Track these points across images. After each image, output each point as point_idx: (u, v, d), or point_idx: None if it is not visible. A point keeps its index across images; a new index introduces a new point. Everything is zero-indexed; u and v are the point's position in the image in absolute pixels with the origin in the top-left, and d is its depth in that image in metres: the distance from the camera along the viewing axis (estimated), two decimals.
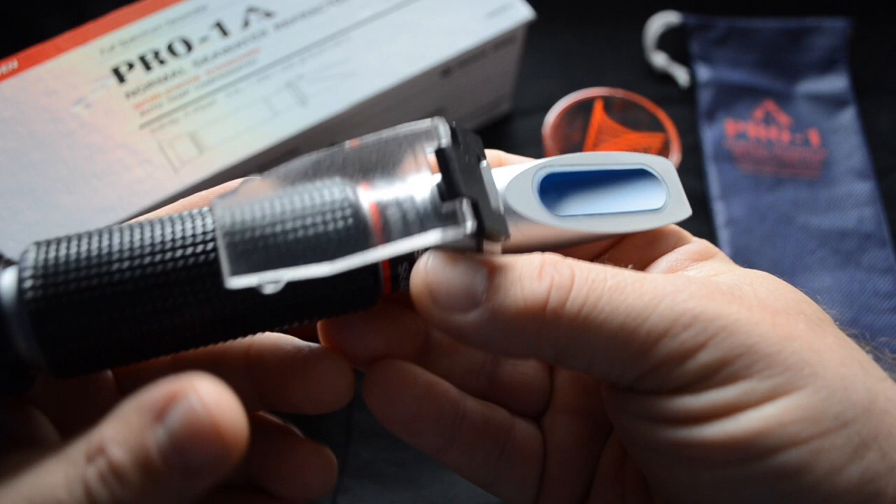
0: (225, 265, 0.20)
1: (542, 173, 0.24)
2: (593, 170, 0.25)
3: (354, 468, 0.44)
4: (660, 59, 0.59)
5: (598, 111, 0.48)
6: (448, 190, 0.21)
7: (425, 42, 0.47)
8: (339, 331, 0.25)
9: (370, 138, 0.22)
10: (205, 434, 0.17)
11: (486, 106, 0.55)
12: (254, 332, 0.23)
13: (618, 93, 0.47)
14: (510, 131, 0.56)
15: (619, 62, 0.60)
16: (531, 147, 0.55)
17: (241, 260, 0.20)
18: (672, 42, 0.60)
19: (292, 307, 0.22)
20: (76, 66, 0.45)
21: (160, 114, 0.44)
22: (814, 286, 0.49)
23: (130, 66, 0.45)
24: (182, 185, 0.42)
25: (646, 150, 0.48)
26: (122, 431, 0.18)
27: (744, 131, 0.56)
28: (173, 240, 0.21)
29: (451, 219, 0.21)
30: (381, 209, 0.21)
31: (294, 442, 0.25)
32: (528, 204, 0.24)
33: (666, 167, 0.27)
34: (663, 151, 0.46)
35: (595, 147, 0.49)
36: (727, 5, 0.60)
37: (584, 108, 0.47)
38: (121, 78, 0.45)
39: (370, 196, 0.22)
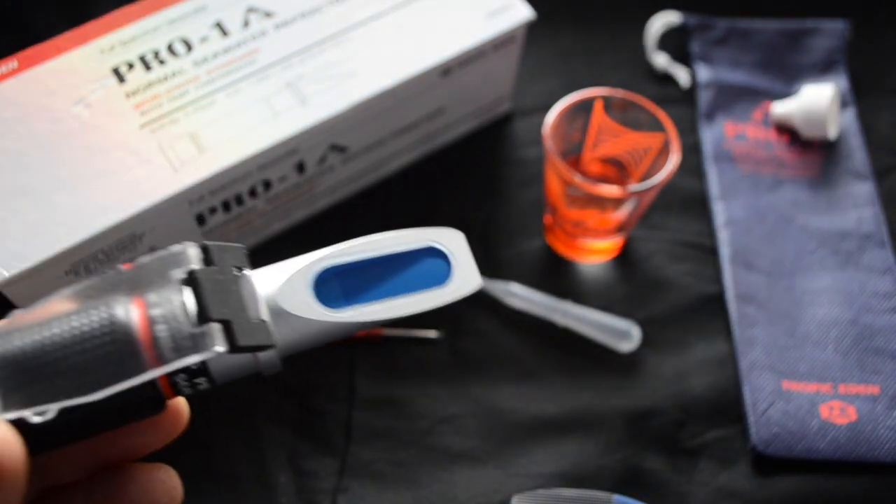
0: None
1: (319, 268, 0.25)
2: (375, 256, 0.26)
3: (354, 468, 0.44)
4: (661, 60, 0.59)
5: (598, 111, 0.48)
6: (199, 314, 0.22)
7: (425, 42, 0.47)
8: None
9: (142, 260, 0.23)
10: None
11: (486, 106, 0.55)
12: (40, 453, 0.23)
13: (618, 93, 0.47)
14: (510, 131, 0.56)
15: (619, 62, 0.60)
16: (531, 147, 0.55)
17: (9, 396, 0.21)
18: (673, 42, 0.60)
19: (77, 428, 0.23)
20: (76, 66, 0.45)
21: (160, 114, 0.44)
22: (813, 286, 0.49)
23: (130, 66, 0.45)
24: (182, 185, 0.42)
25: (646, 150, 0.48)
26: None
27: (743, 133, 0.56)
28: None
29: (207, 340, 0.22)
30: (152, 324, 0.22)
31: (131, 472, 0.26)
32: (301, 303, 0.25)
33: (455, 239, 0.27)
34: (663, 151, 0.46)
35: (595, 147, 0.49)
36: (727, 5, 0.60)
37: (584, 108, 0.47)
38: (121, 78, 0.45)
39: (141, 312, 0.22)
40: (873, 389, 0.46)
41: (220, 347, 0.22)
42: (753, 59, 0.59)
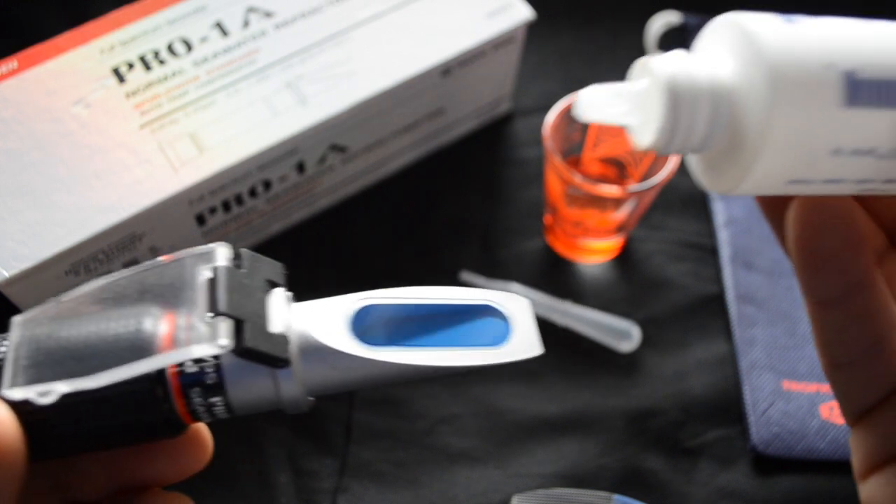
0: (6, 378, 0.21)
1: (359, 305, 0.24)
2: (425, 303, 0.25)
3: (354, 468, 0.44)
4: None
5: None
6: (211, 308, 0.22)
7: (425, 42, 0.47)
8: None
9: (180, 254, 0.23)
10: None
11: (486, 106, 0.55)
12: (52, 458, 0.23)
13: None
14: (510, 131, 0.56)
15: (619, 62, 0.59)
16: (531, 147, 0.55)
17: (18, 374, 0.21)
18: (673, 42, 0.60)
19: (85, 427, 0.23)
20: (76, 66, 0.45)
21: (160, 114, 0.44)
22: None
23: (130, 66, 0.45)
24: (182, 185, 0.42)
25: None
26: None
27: None
28: None
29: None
30: (175, 330, 0.22)
31: (150, 498, 0.27)
32: (334, 335, 0.23)
33: (517, 303, 0.26)
34: None
35: (595, 147, 0.49)
36: (727, 5, 0.60)
37: None
38: (121, 78, 0.45)
39: (167, 324, 0.22)
40: None
41: (225, 341, 0.21)
42: None
